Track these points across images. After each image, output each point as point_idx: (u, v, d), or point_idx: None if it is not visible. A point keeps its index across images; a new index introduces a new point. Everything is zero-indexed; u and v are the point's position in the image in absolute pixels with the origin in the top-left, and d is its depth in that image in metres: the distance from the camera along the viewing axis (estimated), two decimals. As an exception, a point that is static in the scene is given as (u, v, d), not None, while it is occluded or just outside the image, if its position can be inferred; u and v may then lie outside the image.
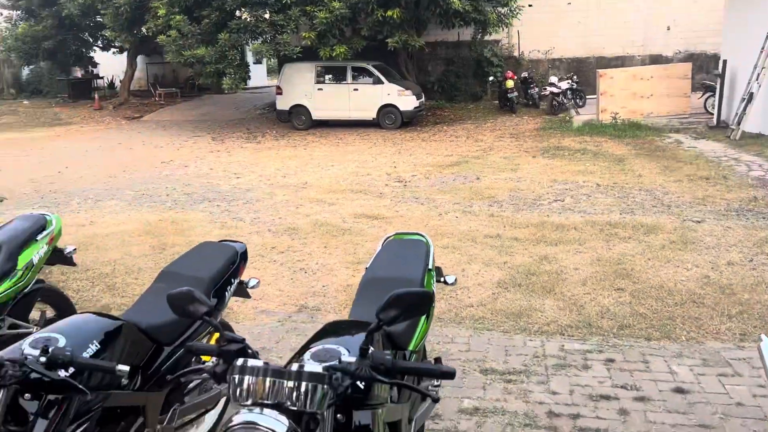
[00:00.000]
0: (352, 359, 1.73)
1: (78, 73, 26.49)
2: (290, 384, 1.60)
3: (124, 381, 2.45)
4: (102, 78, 26.84)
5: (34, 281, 3.53)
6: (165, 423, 2.72)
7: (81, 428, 2.18)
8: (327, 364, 1.69)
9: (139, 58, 24.75)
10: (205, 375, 3.01)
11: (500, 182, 9.69)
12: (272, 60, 22.42)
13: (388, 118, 16.62)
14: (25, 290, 3.46)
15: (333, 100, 17.00)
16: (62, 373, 2.09)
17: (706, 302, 4.89)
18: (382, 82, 16.64)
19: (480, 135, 14.86)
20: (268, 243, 6.91)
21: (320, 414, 1.65)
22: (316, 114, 17.17)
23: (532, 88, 18.23)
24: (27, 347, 2.11)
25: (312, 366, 1.65)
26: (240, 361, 1.65)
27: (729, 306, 4.81)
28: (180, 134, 16.87)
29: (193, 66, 17.53)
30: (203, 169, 11.79)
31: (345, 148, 14.12)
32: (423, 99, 17.49)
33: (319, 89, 17.15)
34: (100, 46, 24.48)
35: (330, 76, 17.38)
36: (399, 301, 1.76)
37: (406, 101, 16.55)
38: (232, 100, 23.89)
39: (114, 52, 24.37)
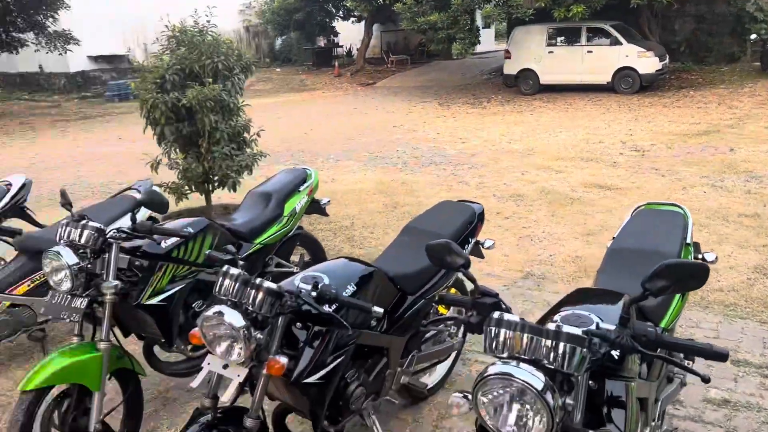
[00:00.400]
0: (611, 327, 1.67)
1: (321, 42, 28.80)
2: (548, 343, 1.59)
3: (374, 323, 2.66)
4: (341, 47, 28.88)
5: (295, 227, 3.98)
6: (404, 367, 2.91)
7: (337, 360, 2.42)
8: (586, 328, 1.65)
9: (374, 27, 26.11)
10: (441, 327, 3.15)
11: (760, 155, 8.49)
12: (502, 24, 22.09)
13: (625, 82, 15.44)
14: (289, 234, 3.91)
15: (564, 63, 16.26)
16: (327, 308, 2.32)
17: None
18: (620, 43, 15.46)
19: (735, 101, 13.13)
20: (493, 208, 6.92)
21: (575, 377, 1.62)
22: (545, 78, 16.61)
23: (807, 46, 15.55)
24: (300, 282, 2.39)
25: (570, 328, 1.62)
26: (497, 314, 1.68)
27: None
28: (409, 100, 17.53)
29: (426, 32, 17.99)
30: (430, 134, 12.14)
31: (574, 113, 13.48)
32: (666, 61, 15.90)
33: (549, 52, 16.53)
34: (341, 16, 26.29)
35: (562, 38, 16.61)
36: (669, 272, 1.63)
37: (647, 63, 15.19)
38: (459, 65, 24.11)
39: (353, 21, 26.01)
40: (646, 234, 2.65)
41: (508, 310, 1.78)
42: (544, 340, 1.59)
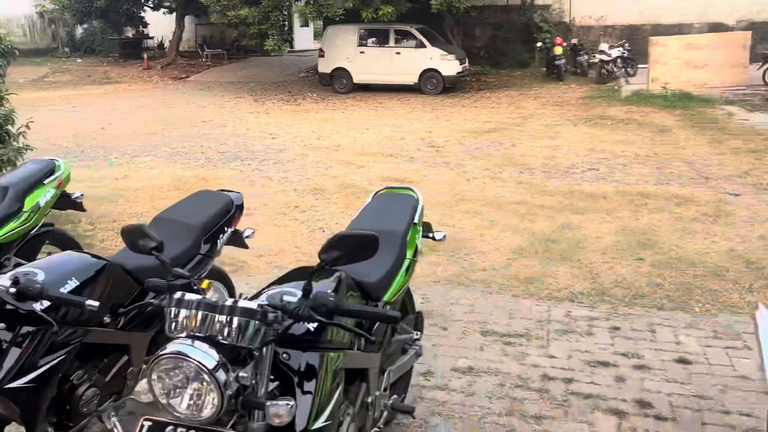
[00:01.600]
0: (292, 299, 1.72)
1: (129, 33, 26.98)
2: (222, 318, 1.60)
3: (106, 319, 2.51)
4: (152, 38, 27.25)
5: (41, 224, 3.64)
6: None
7: (54, 361, 2.25)
8: (264, 302, 1.68)
9: (188, 20, 25.01)
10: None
11: (536, 150, 9.45)
12: (319, 23, 22.31)
13: (430, 83, 16.35)
14: (32, 232, 3.57)
15: (375, 63, 16.82)
16: (37, 306, 2.14)
17: (728, 275, 4.69)
18: (425, 46, 16.34)
19: (523, 102, 14.50)
20: (292, 202, 6.96)
21: (255, 350, 1.65)
22: (358, 77, 17.06)
23: (581, 55, 17.58)
24: (1, 279, 2.18)
25: (246, 302, 1.64)
26: (177, 295, 1.65)
27: (752, 279, 4.60)
28: (223, 95, 17.05)
29: (238, 27, 17.60)
30: (240, 129, 11.91)
31: (383, 112, 14.01)
32: (467, 64, 17.10)
33: (361, 52, 17.00)
34: (151, 6, 24.79)
35: (373, 39, 17.17)
36: (342, 243, 1.72)
37: (449, 66, 16.22)
38: (278, 62, 23.95)
39: (164, 12, 24.67)
40: (379, 216, 2.80)
41: (199, 292, 1.77)
42: (218, 316, 1.60)
